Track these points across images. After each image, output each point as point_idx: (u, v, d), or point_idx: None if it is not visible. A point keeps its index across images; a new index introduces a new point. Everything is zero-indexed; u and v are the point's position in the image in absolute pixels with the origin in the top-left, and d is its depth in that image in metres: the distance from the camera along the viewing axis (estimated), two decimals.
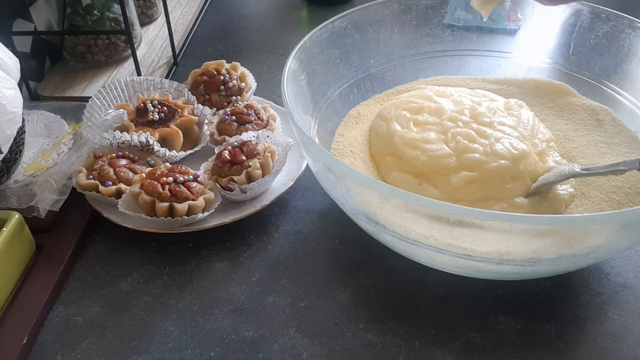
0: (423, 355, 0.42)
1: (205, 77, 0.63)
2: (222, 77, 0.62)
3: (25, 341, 0.43)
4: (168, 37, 0.75)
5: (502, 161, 0.48)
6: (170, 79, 0.74)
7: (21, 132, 0.50)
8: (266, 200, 0.52)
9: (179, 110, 0.59)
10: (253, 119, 0.58)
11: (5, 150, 0.47)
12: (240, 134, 0.55)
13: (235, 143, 0.54)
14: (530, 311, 0.45)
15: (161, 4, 0.82)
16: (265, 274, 0.49)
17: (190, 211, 0.49)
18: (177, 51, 0.77)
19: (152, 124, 0.57)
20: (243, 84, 0.63)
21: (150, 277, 0.49)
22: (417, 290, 0.47)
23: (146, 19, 0.83)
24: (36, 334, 0.44)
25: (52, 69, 0.73)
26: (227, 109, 0.60)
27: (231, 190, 0.51)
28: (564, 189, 0.50)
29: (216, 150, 0.54)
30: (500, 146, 0.49)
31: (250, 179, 0.51)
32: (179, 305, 0.47)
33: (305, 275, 0.49)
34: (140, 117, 0.58)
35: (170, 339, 0.44)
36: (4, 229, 0.45)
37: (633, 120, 0.56)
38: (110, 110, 0.57)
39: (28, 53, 0.69)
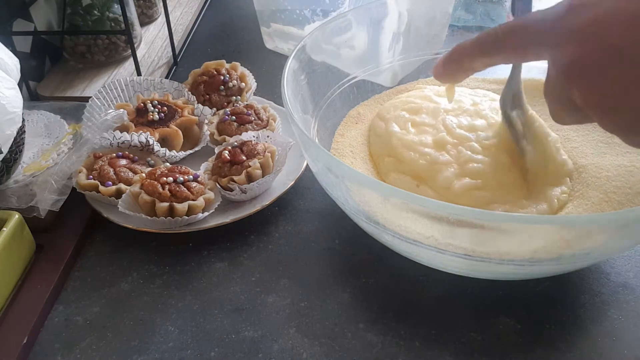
0: (423, 355, 0.42)
1: (205, 77, 0.63)
2: (222, 77, 0.62)
3: (25, 341, 0.43)
4: (168, 37, 0.76)
5: (509, 173, 0.48)
6: (170, 79, 0.74)
7: (21, 132, 0.50)
8: (266, 200, 0.52)
9: (179, 110, 0.59)
10: (253, 119, 0.58)
11: (5, 150, 0.47)
12: (240, 134, 0.55)
13: (235, 143, 0.54)
14: (530, 311, 0.45)
15: (161, 4, 0.82)
16: (265, 274, 0.49)
17: (190, 211, 0.49)
18: (177, 51, 0.77)
19: (152, 124, 0.57)
20: (243, 84, 0.63)
21: (150, 277, 0.49)
22: (417, 290, 0.47)
23: (146, 19, 0.83)
24: (36, 334, 0.44)
25: (52, 69, 0.73)
26: (227, 109, 0.60)
27: (231, 190, 0.51)
28: (562, 190, 0.50)
29: (216, 150, 0.54)
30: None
31: (250, 179, 0.51)
32: (179, 305, 0.47)
33: (305, 275, 0.49)
34: (140, 117, 0.58)
35: (170, 339, 0.44)
36: (4, 229, 0.45)
37: None
38: (110, 110, 0.57)
39: (28, 53, 0.69)
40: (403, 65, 0.64)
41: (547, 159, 0.49)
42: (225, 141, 0.56)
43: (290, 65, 0.51)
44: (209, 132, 0.58)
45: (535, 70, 0.63)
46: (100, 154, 0.54)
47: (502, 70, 0.65)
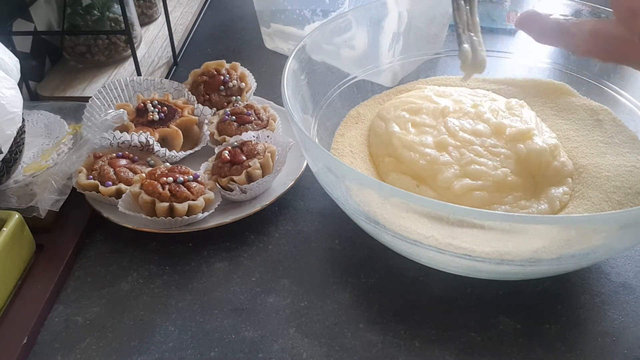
0: (423, 355, 0.42)
1: (205, 77, 0.63)
2: (222, 77, 0.62)
3: (25, 341, 0.43)
4: (168, 37, 0.76)
5: (510, 177, 0.48)
6: (170, 79, 0.74)
7: (21, 132, 0.50)
8: (266, 200, 0.52)
9: (179, 110, 0.59)
10: (253, 119, 0.58)
11: (5, 150, 0.47)
12: (240, 134, 0.55)
13: (235, 143, 0.54)
14: (530, 311, 0.45)
15: (161, 4, 0.82)
16: (265, 274, 0.49)
17: (190, 211, 0.49)
18: (177, 51, 0.77)
19: (152, 124, 0.57)
20: (243, 84, 0.63)
21: (150, 277, 0.49)
22: (417, 290, 0.47)
23: (146, 19, 0.83)
24: (36, 334, 0.44)
25: (52, 69, 0.73)
26: (227, 109, 0.60)
27: (231, 190, 0.51)
28: (564, 190, 0.50)
29: (216, 150, 0.54)
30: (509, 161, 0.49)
31: (250, 179, 0.51)
32: (179, 305, 0.47)
33: (305, 275, 0.49)
34: (140, 117, 0.58)
35: (170, 339, 0.44)
36: (4, 229, 0.45)
37: (633, 120, 0.56)
38: (110, 110, 0.57)
39: (28, 53, 0.69)
40: (403, 65, 0.64)
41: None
42: (225, 141, 0.56)
43: (290, 65, 0.51)
44: (209, 132, 0.58)
45: (536, 70, 0.63)
46: (100, 154, 0.54)
47: (502, 71, 0.65)
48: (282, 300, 0.47)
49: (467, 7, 0.47)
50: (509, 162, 0.49)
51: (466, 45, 0.46)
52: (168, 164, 0.53)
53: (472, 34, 0.47)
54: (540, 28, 0.39)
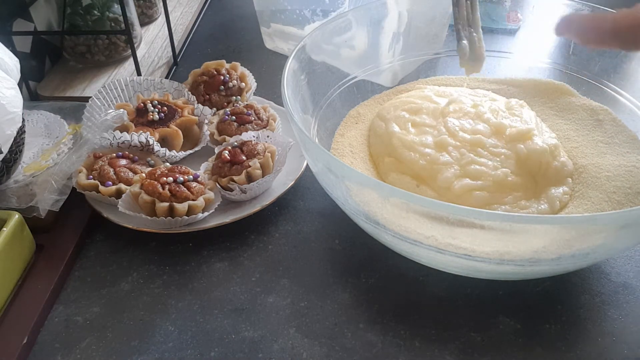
0: (423, 355, 0.42)
1: (205, 77, 0.63)
2: (222, 77, 0.62)
3: (25, 341, 0.43)
4: (168, 37, 0.76)
5: (510, 177, 0.48)
6: (170, 79, 0.74)
7: (21, 132, 0.50)
8: (266, 200, 0.52)
9: (179, 110, 0.59)
10: (253, 119, 0.58)
11: (5, 150, 0.47)
12: (240, 134, 0.55)
13: (235, 143, 0.54)
14: (530, 311, 0.45)
15: (161, 4, 0.82)
16: (265, 274, 0.49)
17: (190, 211, 0.49)
18: (177, 51, 0.77)
19: (152, 124, 0.57)
20: (243, 84, 0.63)
21: (150, 277, 0.49)
22: (417, 290, 0.47)
23: (146, 19, 0.83)
24: (36, 334, 0.44)
25: (52, 69, 0.73)
26: (227, 109, 0.60)
27: (231, 190, 0.51)
28: (564, 190, 0.50)
29: (216, 150, 0.54)
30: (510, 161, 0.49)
31: (250, 179, 0.51)
32: (179, 305, 0.47)
33: (305, 275, 0.49)
34: (140, 117, 0.58)
35: (170, 339, 0.44)
36: (4, 229, 0.45)
37: (633, 120, 0.56)
38: (110, 110, 0.57)
39: (28, 53, 0.69)
40: (403, 65, 0.64)
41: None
42: (225, 141, 0.56)
43: (290, 65, 0.51)
44: (209, 132, 0.58)
45: (536, 70, 0.63)
46: (100, 154, 0.54)
47: (502, 71, 0.65)
48: (282, 300, 0.47)
49: (468, 2, 0.48)
50: (509, 162, 0.49)
51: (464, 42, 0.47)
52: (168, 164, 0.53)
53: (472, 30, 0.47)
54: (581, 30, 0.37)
